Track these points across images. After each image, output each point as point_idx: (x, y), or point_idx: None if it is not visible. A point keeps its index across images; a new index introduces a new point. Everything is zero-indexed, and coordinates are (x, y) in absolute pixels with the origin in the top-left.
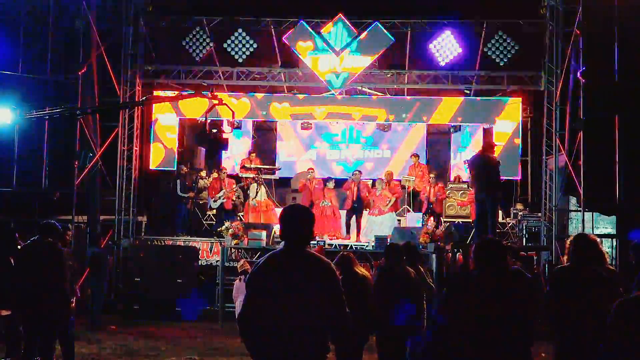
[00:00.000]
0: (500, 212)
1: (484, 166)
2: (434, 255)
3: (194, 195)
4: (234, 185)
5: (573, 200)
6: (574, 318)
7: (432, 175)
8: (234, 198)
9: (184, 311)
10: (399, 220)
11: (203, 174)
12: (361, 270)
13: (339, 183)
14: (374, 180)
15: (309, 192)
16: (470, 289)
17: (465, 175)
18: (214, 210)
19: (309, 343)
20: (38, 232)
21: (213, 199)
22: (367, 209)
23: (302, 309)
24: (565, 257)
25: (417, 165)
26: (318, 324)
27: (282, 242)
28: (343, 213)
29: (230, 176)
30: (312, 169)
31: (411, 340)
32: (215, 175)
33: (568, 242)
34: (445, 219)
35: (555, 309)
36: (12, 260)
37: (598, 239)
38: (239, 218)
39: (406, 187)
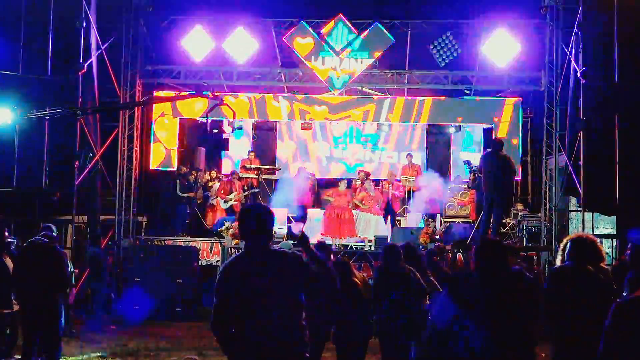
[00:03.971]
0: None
1: (496, 164)
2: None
3: (194, 195)
4: (242, 194)
5: (573, 200)
6: (571, 318)
7: None
8: (242, 201)
9: (183, 311)
10: (398, 220)
11: (200, 173)
12: (359, 276)
13: (347, 184)
14: (374, 180)
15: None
16: (471, 290)
17: (466, 175)
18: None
19: (288, 340)
20: (38, 234)
21: (224, 200)
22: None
23: (276, 306)
24: (559, 258)
25: (411, 166)
26: (295, 319)
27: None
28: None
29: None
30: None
31: (414, 341)
32: (213, 175)
33: (563, 242)
34: (445, 219)
35: (552, 308)
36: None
37: (597, 239)
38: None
39: (406, 187)
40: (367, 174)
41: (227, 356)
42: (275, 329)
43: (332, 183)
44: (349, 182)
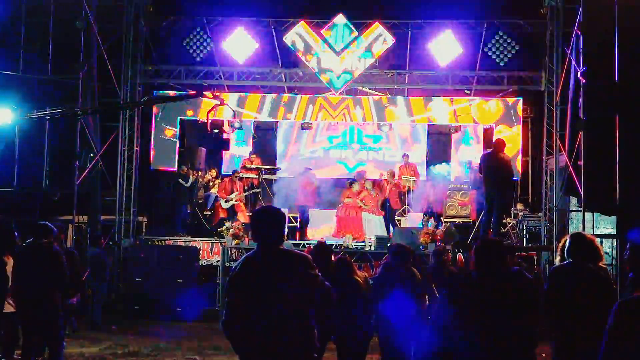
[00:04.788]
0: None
1: (496, 164)
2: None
3: (192, 188)
4: (243, 193)
5: (573, 200)
6: (571, 315)
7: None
8: (244, 200)
9: (184, 311)
10: (399, 220)
11: (200, 173)
12: (360, 275)
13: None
14: (374, 180)
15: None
16: (471, 290)
17: (466, 175)
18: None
19: (296, 339)
20: (33, 234)
21: (225, 200)
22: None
23: (285, 305)
24: (558, 257)
25: (408, 165)
26: (303, 318)
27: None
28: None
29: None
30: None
31: (414, 341)
32: (214, 174)
33: (562, 241)
34: (445, 219)
35: (553, 307)
36: (6, 259)
37: (596, 238)
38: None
39: (406, 187)
40: (364, 173)
41: (239, 355)
42: (284, 329)
43: (342, 184)
44: (352, 182)
